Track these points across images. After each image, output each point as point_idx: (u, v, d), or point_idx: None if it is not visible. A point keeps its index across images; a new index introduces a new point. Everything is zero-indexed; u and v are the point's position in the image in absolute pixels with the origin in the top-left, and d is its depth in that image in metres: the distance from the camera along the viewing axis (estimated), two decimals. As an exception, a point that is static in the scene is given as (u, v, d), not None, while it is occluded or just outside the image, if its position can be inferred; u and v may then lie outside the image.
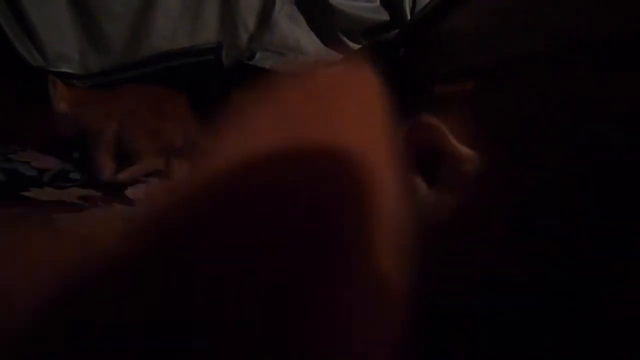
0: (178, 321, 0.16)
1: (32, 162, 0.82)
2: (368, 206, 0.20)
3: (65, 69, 0.90)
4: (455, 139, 0.34)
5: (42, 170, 0.80)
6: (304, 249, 0.18)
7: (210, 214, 0.18)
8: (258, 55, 0.92)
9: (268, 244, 0.17)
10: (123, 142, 0.69)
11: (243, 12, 0.93)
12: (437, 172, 0.35)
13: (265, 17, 0.93)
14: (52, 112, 0.73)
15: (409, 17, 0.86)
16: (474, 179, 0.33)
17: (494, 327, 0.40)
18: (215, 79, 0.95)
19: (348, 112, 0.23)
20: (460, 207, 0.36)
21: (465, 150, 0.33)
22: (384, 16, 0.89)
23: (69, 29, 0.90)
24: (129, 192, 0.73)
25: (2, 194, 0.68)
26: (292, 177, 0.18)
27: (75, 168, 0.74)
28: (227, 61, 0.93)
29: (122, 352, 0.16)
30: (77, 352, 0.16)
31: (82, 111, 0.69)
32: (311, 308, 0.18)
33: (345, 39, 0.91)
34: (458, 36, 0.74)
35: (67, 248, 0.19)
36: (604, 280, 0.37)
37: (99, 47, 0.91)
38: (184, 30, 0.92)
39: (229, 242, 0.17)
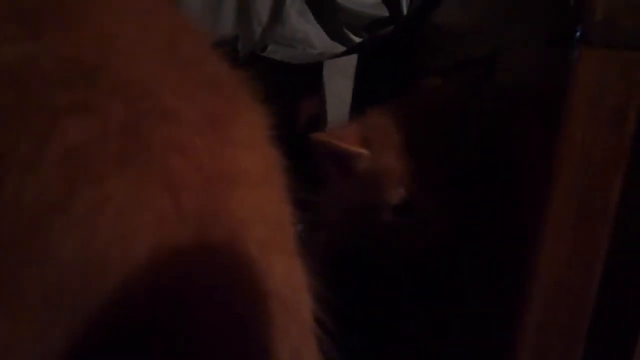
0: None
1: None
2: None
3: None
4: (354, 142, 0.43)
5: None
6: None
7: None
8: (270, 47, 1.02)
9: None
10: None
11: (257, 8, 1.02)
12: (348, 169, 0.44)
13: (277, 12, 1.02)
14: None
15: (404, 11, 0.94)
16: (363, 172, 0.42)
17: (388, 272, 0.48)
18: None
19: None
20: (356, 190, 0.44)
21: (357, 150, 0.42)
22: (385, 12, 0.98)
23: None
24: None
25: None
26: None
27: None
28: (242, 52, 1.02)
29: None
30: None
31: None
32: None
33: (348, 33, 1.00)
34: (437, 33, 0.82)
35: None
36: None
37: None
38: (205, 24, 1.03)
39: None
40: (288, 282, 0.23)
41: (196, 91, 0.22)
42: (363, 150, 0.42)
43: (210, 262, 0.20)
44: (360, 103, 1.01)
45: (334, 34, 1.01)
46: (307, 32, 1.02)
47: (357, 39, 1.00)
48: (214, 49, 0.25)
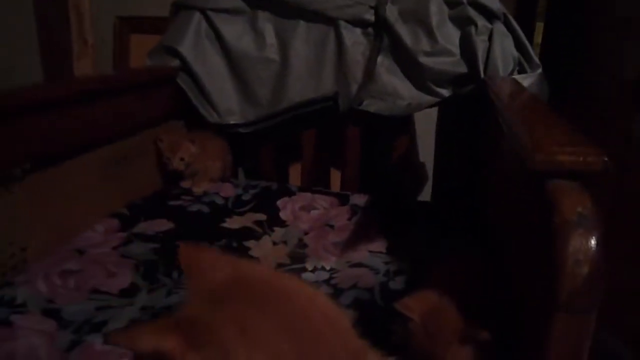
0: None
1: (220, 193, 1.23)
2: None
3: (232, 121, 1.28)
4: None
5: (226, 198, 1.21)
6: None
7: None
8: (365, 102, 1.21)
9: None
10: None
11: (352, 69, 1.21)
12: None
13: (369, 71, 1.20)
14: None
15: (481, 71, 1.07)
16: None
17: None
18: (334, 121, 1.26)
19: None
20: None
21: (411, 315, 0.61)
22: (464, 68, 1.11)
23: (232, 93, 1.27)
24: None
25: (207, 224, 1.08)
26: None
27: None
28: (342, 106, 1.23)
29: None
30: None
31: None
32: None
33: (432, 86, 1.15)
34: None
35: None
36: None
37: (252, 103, 1.27)
38: (310, 86, 1.24)
39: None
40: None
41: None
42: (414, 317, 0.62)
43: None
44: (446, 146, 1.19)
45: (420, 86, 1.18)
46: (395, 86, 1.19)
47: (441, 90, 1.15)
48: None
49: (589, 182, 0.47)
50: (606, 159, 0.47)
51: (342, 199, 1.23)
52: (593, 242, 0.41)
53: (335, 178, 1.42)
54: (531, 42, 1.15)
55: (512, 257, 0.70)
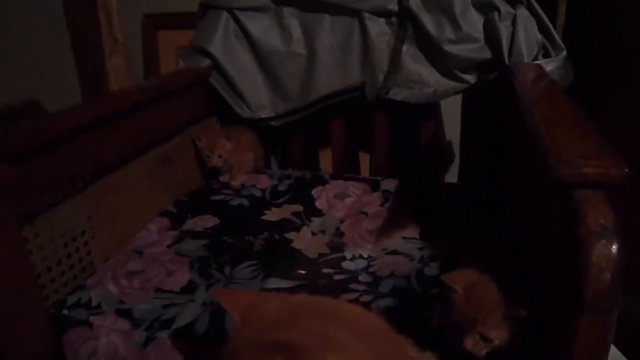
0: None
1: (257, 185, 1.29)
2: None
3: (263, 115, 1.33)
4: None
5: (263, 190, 1.28)
6: None
7: None
8: (392, 91, 1.24)
9: None
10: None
11: (378, 58, 1.24)
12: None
13: (394, 60, 1.23)
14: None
15: (506, 57, 1.09)
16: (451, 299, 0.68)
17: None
18: (362, 110, 1.30)
19: None
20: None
21: (454, 287, 0.66)
22: (488, 54, 1.13)
23: (262, 88, 1.32)
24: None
25: (249, 217, 1.15)
26: None
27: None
28: (370, 96, 1.27)
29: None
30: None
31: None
32: None
33: (458, 73, 1.18)
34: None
35: None
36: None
37: (282, 96, 1.32)
38: (337, 77, 1.28)
39: None
40: None
41: None
42: (458, 289, 0.68)
43: None
44: (471, 131, 1.22)
45: (445, 73, 1.20)
46: (421, 74, 1.22)
47: (467, 76, 1.18)
48: None
49: (611, 190, 0.51)
50: (627, 170, 0.51)
51: (373, 185, 1.28)
52: (614, 250, 0.46)
53: (364, 162, 1.47)
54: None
55: (533, 249, 0.75)
